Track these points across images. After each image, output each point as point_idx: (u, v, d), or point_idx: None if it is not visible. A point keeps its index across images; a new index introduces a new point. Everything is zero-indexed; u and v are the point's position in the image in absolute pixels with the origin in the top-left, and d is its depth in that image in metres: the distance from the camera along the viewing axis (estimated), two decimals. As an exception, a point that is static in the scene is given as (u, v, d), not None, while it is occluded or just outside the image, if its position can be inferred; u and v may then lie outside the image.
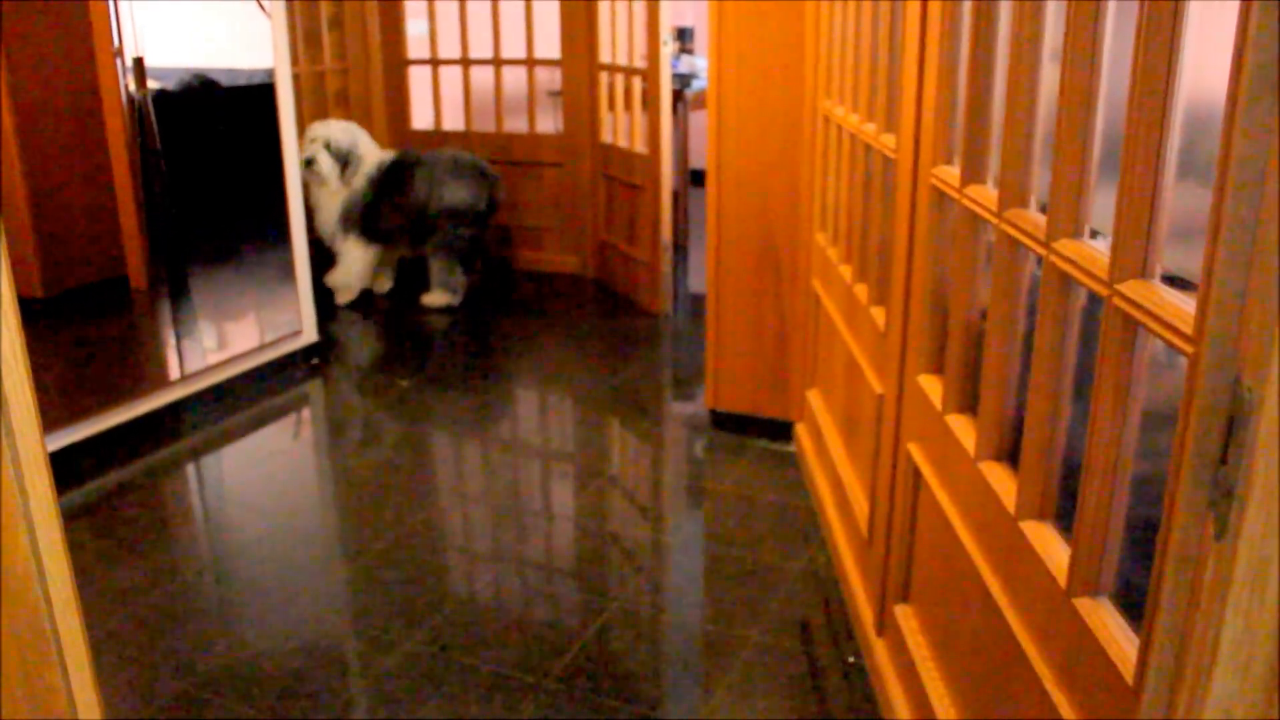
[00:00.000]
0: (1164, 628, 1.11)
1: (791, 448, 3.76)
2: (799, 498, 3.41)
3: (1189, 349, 1.03)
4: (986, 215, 1.74)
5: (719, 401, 3.90)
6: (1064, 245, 1.43)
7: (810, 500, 3.37)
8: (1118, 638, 1.27)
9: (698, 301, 5.51)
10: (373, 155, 5.48)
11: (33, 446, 0.89)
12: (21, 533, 0.88)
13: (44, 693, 0.90)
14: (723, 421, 3.92)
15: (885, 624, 2.42)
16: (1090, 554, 1.35)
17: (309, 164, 5.16)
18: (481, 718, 2.40)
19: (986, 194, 1.76)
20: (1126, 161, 1.22)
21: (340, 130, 5.36)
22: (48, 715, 0.89)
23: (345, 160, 5.31)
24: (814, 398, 3.44)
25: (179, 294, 4.03)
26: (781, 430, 3.80)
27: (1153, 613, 1.15)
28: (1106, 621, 1.31)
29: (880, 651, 2.42)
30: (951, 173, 1.93)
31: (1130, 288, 1.22)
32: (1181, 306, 1.11)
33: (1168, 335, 1.10)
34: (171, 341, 4.03)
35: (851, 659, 2.58)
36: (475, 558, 3.16)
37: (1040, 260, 1.51)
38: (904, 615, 2.25)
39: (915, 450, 2.14)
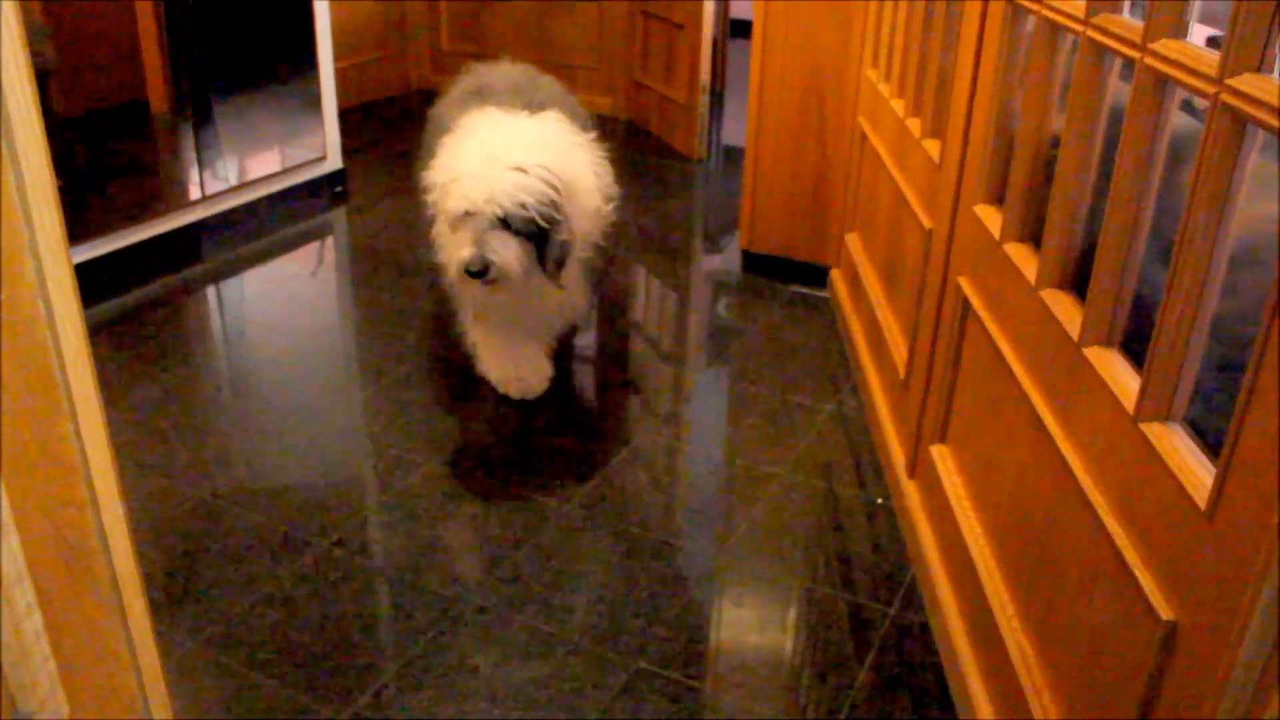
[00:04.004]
0: (1248, 450, 1.03)
1: (825, 293, 3.67)
2: (831, 342, 3.33)
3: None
4: (1069, 23, 1.61)
5: (753, 243, 3.79)
6: (1165, 45, 1.30)
7: (843, 345, 3.29)
8: (1190, 463, 1.20)
9: (732, 153, 5.34)
10: (590, 190, 2.66)
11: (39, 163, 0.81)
12: (28, 265, 0.80)
13: (53, 442, 0.84)
14: (756, 264, 3.81)
15: (918, 465, 2.36)
16: (1164, 377, 1.26)
17: (474, 274, 2.45)
18: (502, 536, 2.38)
19: (1070, 1, 1.62)
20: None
21: (535, 173, 2.45)
22: (59, 461, 0.83)
23: (542, 230, 2.48)
24: (852, 241, 3.33)
25: (201, 118, 3.89)
26: (816, 275, 3.69)
27: (1235, 436, 1.08)
28: (1178, 447, 1.23)
29: (911, 493, 2.37)
30: (1032, -20, 1.78)
31: (1245, 82, 1.11)
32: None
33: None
34: (193, 164, 3.91)
35: (880, 500, 2.54)
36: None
37: (1126, 73, 1.40)
38: (940, 455, 2.19)
39: (965, 283, 2.05)
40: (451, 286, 2.76)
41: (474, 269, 2.43)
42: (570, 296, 2.79)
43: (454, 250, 2.49)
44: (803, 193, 3.63)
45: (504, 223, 2.42)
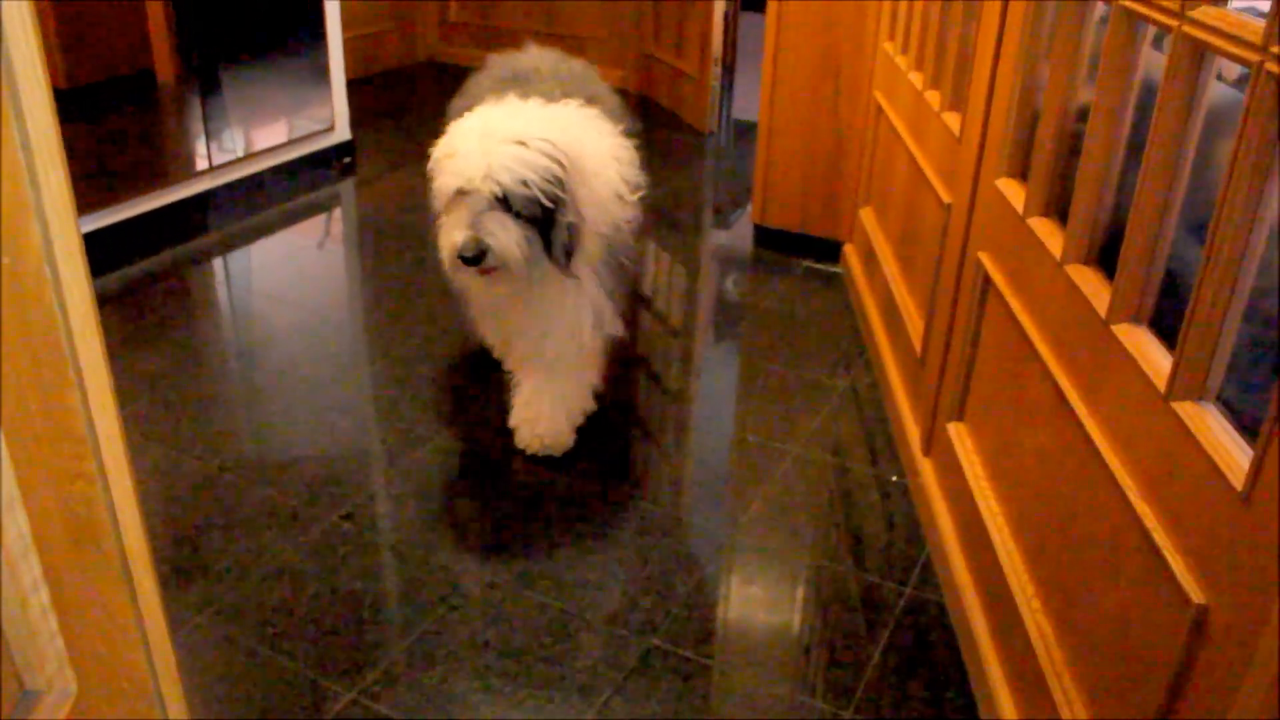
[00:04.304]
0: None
1: (838, 268, 3.63)
2: (844, 318, 3.30)
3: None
4: (1101, -9, 1.56)
5: (766, 217, 3.75)
6: (1204, 13, 1.26)
7: (856, 321, 3.26)
8: (1226, 444, 1.17)
9: (742, 127, 5.28)
10: (607, 166, 2.41)
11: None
12: (34, 229, 0.77)
13: (60, 412, 0.81)
14: (768, 239, 3.77)
15: (934, 443, 2.33)
16: (1199, 355, 1.23)
17: (469, 260, 2.17)
18: (512, 512, 2.36)
19: (1103, -32, 1.58)
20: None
21: (537, 146, 2.17)
22: (67, 433, 0.80)
23: (548, 213, 2.20)
24: (867, 216, 3.29)
25: (208, 88, 3.85)
26: (829, 250, 3.66)
27: (1277, 416, 1.04)
28: (1213, 426, 1.20)
29: (926, 470, 2.34)
30: (1061, -53, 1.74)
31: (1291, 48, 1.07)
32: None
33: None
34: (200, 134, 3.87)
35: (894, 478, 2.51)
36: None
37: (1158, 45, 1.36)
38: (957, 433, 2.16)
39: (986, 258, 2.01)
40: (450, 278, 2.41)
41: (468, 254, 2.13)
42: (590, 299, 2.43)
43: (447, 234, 2.20)
44: (816, 166, 3.58)
45: (504, 203, 2.14)
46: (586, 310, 2.44)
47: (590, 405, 2.65)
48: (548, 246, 2.22)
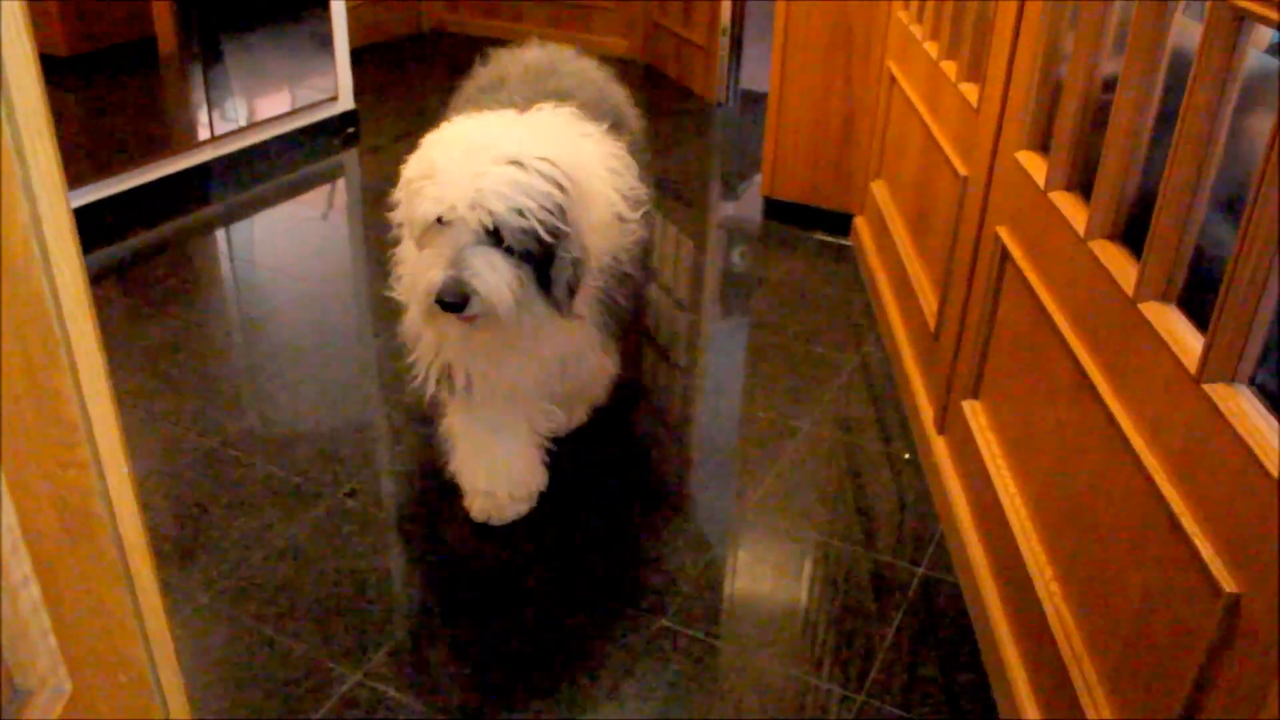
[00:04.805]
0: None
1: (849, 241, 3.58)
2: (854, 292, 3.25)
3: None
4: (1130, -43, 1.51)
5: (776, 190, 3.69)
6: (1241, -23, 1.21)
7: (867, 295, 3.21)
8: (1260, 427, 1.13)
9: (750, 98, 5.21)
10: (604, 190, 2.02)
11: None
12: (21, 205, 0.73)
13: (51, 398, 0.78)
14: (777, 211, 3.72)
15: (948, 420, 2.29)
16: (1232, 335, 1.19)
17: (449, 305, 1.79)
18: (520, 491, 2.33)
19: (1132, -68, 1.52)
20: None
21: (535, 167, 1.80)
22: (58, 420, 0.77)
23: (546, 247, 1.84)
24: (879, 188, 3.24)
25: (210, 57, 3.79)
26: (840, 223, 3.60)
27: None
28: (1246, 409, 1.16)
29: (940, 448, 2.30)
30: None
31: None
32: None
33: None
34: (202, 104, 3.81)
35: (907, 455, 2.47)
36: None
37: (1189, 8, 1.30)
38: (972, 411, 2.12)
39: (1004, 233, 1.96)
40: (410, 329, 2.06)
41: (449, 298, 1.75)
42: (585, 349, 2.11)
43: (420, 272, 1.81)
44: (827, 138, 3.53)
45: (493, 235, 1.77)
46: (584, 368, 2.15)
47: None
48: (543, 285, 1.85)
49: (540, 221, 1.76)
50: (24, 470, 0.72)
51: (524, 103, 2.02)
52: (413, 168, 1.86)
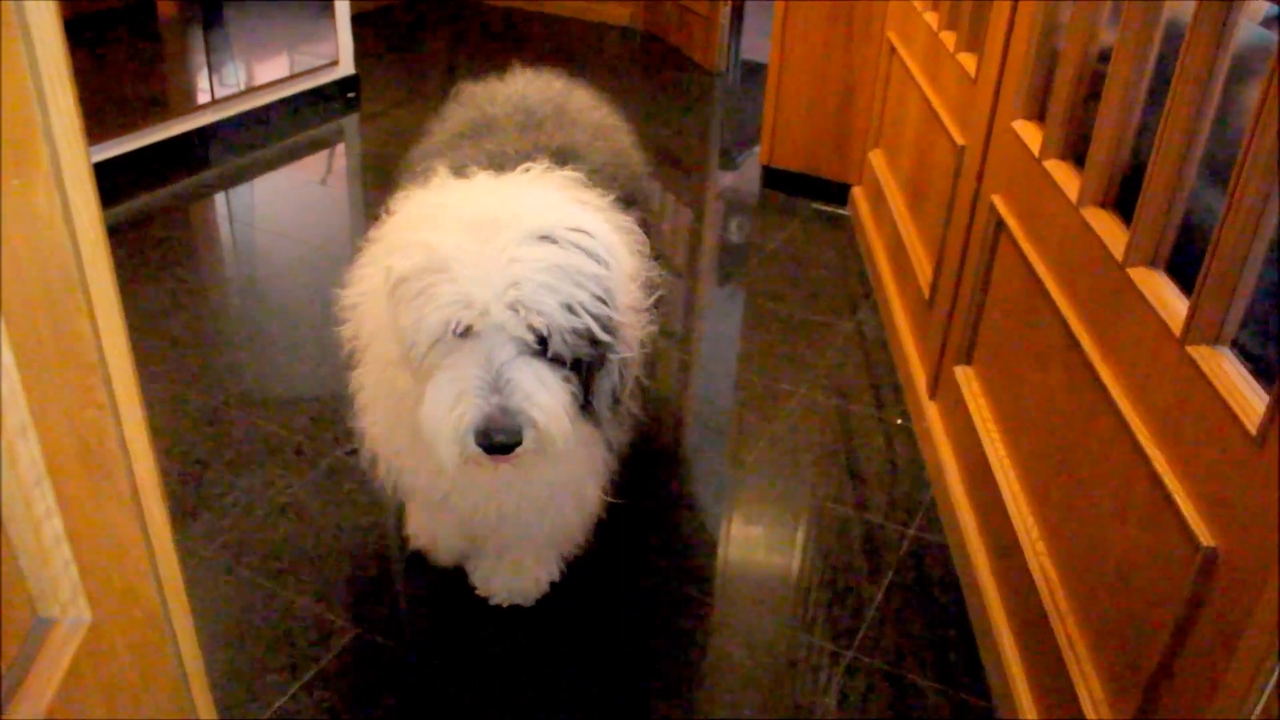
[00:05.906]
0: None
1: (846, 211, 3.60)
2: (851, 261, 3.28)
3: None
4: (1127, -74, 1.53)
5: (774, 158, 3.71)
6: (1233, -53, 1.23)
7: (863, 263, 3.24)
8: (1241, 388, 1.16)
9: (751, 67, 5.21)
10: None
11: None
12: (43, 152, 0.75)
13: (72, 340, 0.80)
14: (776, 180, 3.74)
15: (940, 386, 2.33)
16: (1217, 298, 1.22)
17: (496, 448, 1.36)
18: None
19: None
20: None
21: (571, 241, 1.38)
22: (78, 360, 0.79)
23: (600, 353, 1.45)
24: (877, 158, 3.26)
25: (210, 20, 3.79)
26: (838, 193, 3.62)
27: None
28: (1228, 370, 1.19)
29: (932, 413, 2.34)
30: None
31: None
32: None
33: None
34: (202, 67, 3.82)
35: (899, 420, 2.51)
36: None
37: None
38: (964, 376, 2.15)
39: (999, 201, 1.99)
40: (392, 477, 1.71)
41: (501, 437, 1.33)
42: (585, 476, 1.72)
43: (440, 403, 1.35)
44: (826, 108, 3.54)
45: (538, 344, 1.36)
46: (569, 496, 1.75)
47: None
48: (587, 396, 1.46)
49: (594, 316, 1.37)
50: (47, 409, 0.75)
51: (519, 157, 1.62)
52: (403, 260, 1.38)
